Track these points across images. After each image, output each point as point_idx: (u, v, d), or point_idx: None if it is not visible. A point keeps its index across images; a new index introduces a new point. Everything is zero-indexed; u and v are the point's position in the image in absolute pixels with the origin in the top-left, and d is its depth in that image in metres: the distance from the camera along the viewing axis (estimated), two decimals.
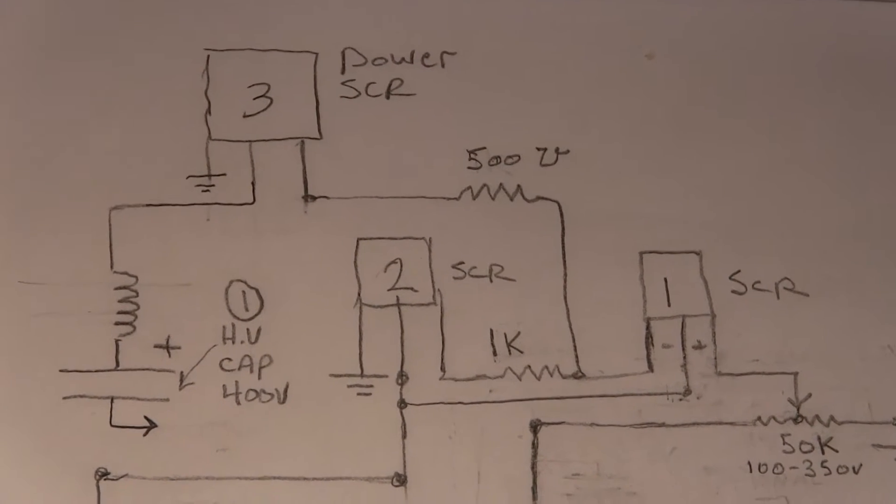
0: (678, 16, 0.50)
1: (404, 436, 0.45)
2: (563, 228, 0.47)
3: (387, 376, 0.46)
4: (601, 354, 0.46)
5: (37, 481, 0.44)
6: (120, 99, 0.48)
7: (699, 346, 0.46)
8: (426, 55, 0.49)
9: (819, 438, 0.45)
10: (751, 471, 0.45)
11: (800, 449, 0.45)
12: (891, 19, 0.50)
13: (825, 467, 0.45)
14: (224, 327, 0.46)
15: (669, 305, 0.47)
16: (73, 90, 0.48)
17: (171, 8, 0.49)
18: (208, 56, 0.48)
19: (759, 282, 0.47)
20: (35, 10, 0.48)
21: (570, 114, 0.49)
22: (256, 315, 0.46)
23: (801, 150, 0.49)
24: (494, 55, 0.49)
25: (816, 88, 0.49)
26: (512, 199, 0.48)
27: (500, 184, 0.48)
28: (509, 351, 0.46)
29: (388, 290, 0.46)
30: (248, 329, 0.46)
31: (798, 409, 0.46)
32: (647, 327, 0.46)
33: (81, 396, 0.45)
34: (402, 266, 0.47)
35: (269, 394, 0.45)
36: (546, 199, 0.48)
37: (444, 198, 0.48)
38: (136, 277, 0.46)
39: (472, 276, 0.47)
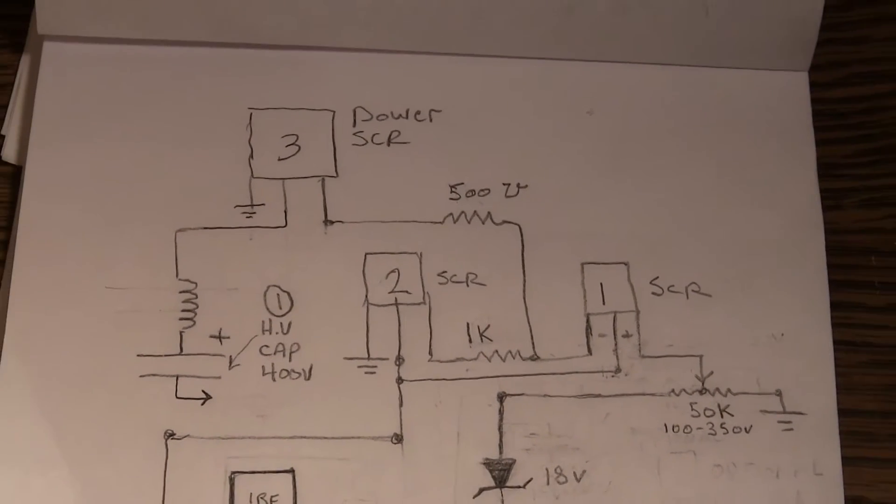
0: (611, 83, 0.52)
1: (401, 405, 0.47)
2: (522, 245, 0.49)
3: (387, 359, 0.47)
4: (552, 342, 0.48)
5: (119, 441, 0.46)
6: (182, 146, 0.50)
7: (627, 335, 0.48)
8: (418, 112, 0.51)
9: (719, 406, 0.47)
10: (667, 431, 0.46)
11: (704, 414, 0.47)
12: (767, 87, 0.52)
13: (724, 428, 0.46)
14: (263, 322, 0.48)
15: (604, 304, 0.48)
16: (146, 138, 0.50)
17: (222, 75, 0.52)
18: (251, 113, 0.51)
19: (673, 285, 0.49)
20: (121, 78, 0.51)
21: (529, 157, 0.51)
22: (288, 312, 0.48)
23: (703, 186, 0.51)
24: (471, 112, 0.51)
25: (715, 138, 0.51)
26: (483, 223, 0.50)
27: (475, 211, 0.50)
28: (481, 339, 0.48)
29: (389, 292, 0.48)
30: (281, 323, 0.48)
31: (703, 384, 0.47)
32: (587, 321, 0.48)
33: (154, 375, 0.47)
34: (399, 274, 0.49)
35: (298, 373, 0.47)
36: (510, 222, 0.50)
37: (432, 222, 0.50)
38: (196, 283, 0.48)
39: (453, 282, 0.49)
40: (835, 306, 0.48)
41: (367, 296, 0.48)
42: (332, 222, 0.49)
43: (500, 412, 0.47)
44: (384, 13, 0.51)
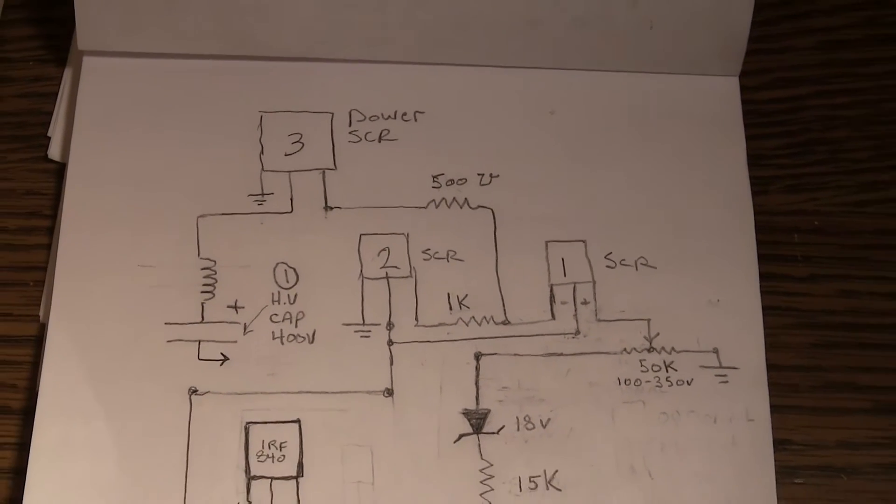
0: (571, 88, 0.54)
1: (391, 363, 0.49)
2: (495, 226, 0.51)
3: (380, 324, 0.49)
4: (521, 308, 0.50)
5: (150, 397, 0.47)
6: (203, 144, 0.52)
7: (585, 303, 0.50)
8: (405, 113, 0.53)
9: (664, 362, 0.49)
10: (620, 384, 0.48)
11: (651, 369, 0.49)
12: (703, 90, 0.53)
13: (668, 381, 0.48)
14: (273, 293, 0.50)
15: (565, 276, 0.50)
16: (172, 137, 0.52)
17: (237, 83, 0.53)
18: (261, 116, 0.53)
19: (624, 259, 0.51)
20: (151, 86, 0.53)
21: (500, 151, 0.53)
22: (294, 285, 0.50)
23: (650, 175, 0.52)
24: (450, 113, 0.53)
25: (660, 134, 0.53)
26: (461, 208, 0.52)
27: (454, 197, 0.52)
28: (460, 307, 0.50)
29: (381, 268, 0.50)
30: (288, 294, 0.50)
31: (650, 343, 0.49)
32: (551, 291, 0.50)
33: (179, 340, 0.48)
34: (389, 252, 0.51)
35: (303, 337, 0.49)
36: (484, 207, 0.52)
37: (417, 207, 0.51)
38: (215, 261, 0.50)
39: (435, 258, 0.50)
40: (764, 276, 0.49)
41: (361, 271, 0.50)
42: (331, 208, 0.51)
43: (477, 369, 0.48)
44: (375, 30, 0.53)
